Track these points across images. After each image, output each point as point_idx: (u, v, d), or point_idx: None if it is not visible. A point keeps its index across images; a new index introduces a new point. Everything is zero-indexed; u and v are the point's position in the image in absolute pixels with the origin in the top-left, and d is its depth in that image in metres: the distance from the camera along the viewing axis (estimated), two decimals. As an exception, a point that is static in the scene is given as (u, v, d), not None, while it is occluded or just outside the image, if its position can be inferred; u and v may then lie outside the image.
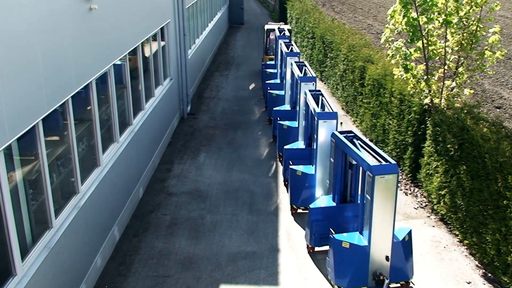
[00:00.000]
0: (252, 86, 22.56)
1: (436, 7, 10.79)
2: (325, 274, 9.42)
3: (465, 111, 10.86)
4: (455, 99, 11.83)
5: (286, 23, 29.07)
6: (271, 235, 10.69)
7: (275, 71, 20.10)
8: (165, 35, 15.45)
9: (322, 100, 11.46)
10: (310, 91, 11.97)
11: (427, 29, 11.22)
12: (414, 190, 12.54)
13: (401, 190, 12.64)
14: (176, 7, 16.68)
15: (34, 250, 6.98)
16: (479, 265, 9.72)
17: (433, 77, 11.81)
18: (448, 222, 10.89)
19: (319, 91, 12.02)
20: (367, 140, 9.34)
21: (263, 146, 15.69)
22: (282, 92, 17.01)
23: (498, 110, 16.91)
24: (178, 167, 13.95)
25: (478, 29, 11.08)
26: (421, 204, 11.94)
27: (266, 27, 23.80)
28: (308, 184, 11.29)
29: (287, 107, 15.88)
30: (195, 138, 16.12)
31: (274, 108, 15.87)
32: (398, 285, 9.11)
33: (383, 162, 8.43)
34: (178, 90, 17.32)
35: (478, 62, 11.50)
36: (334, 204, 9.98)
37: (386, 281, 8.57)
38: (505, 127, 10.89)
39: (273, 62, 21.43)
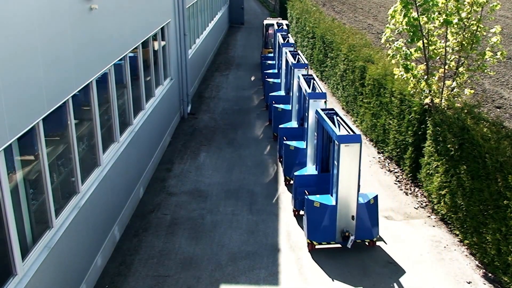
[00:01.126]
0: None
1: (436, 7, 10.79)
2: (326, 274, 9.44)
3: (466, 111, 10.86)
4: (456, 99, 11.83)
5: (288, 28, 29.37)
6: (271, 235, 10.69)
7: (273, 62, 21.57)
8: (165, 35, 15.45)
9: (313, 83, 12.61)
10: (302, 75, 13.17)
11: (427, 29, 11.22)
12: (414, 190, 12.55)
13: (401, 190, 12.65)
14: (176, 6, 16.69)
15: (34, 250, 6.98)
16: (479, 265, 9.71)
17: (434, 77, 11.81)
18: (449, 222, 10.89)
19: (311, 75, 13.28)
20: (345, 118, 10.50)
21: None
22: (278, 80, 18.33)
23: (498, 110, 16.91)
24: (178, 167, 13.95)
25: (479, 29, 11.08)
26: (422, 204, 11.94)
27: (265, 22, 25.60)
28: (300, 157, 12.45)
29: (282, 92, 17.17)
30: (195, 138, 16.13)
31: (270, 94, 17.37)
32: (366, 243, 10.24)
33: (351, 133, 9.64)
34: (178, 90, 17.33)
35: (478, 62, 11.51)
36: (316, 172, 11.19)
37: (351, 237, 9.78)
38: (505, 127, 10.89)
39: (272, 55, 23.08)
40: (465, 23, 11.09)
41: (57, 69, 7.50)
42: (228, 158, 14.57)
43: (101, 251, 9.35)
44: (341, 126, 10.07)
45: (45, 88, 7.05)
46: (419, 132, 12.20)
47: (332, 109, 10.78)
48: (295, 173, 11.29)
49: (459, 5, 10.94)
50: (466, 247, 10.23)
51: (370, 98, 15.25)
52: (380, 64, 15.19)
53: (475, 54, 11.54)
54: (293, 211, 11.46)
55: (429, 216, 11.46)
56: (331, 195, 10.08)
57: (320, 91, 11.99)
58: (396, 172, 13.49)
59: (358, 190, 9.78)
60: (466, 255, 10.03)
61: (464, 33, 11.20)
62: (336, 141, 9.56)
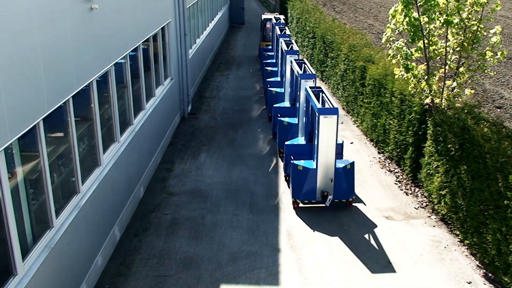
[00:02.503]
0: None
1: (437, 7, 10.78)
2: (326, 274, 9.44)
3: (466, 111, 10.86)
4: (456, 99, 11.83)
5: (286, 22, 29.64)
6: (271, 235, 10.69)
7: (272, 53, 23.29)
8: (165, 34, 15.45)
9: (304, 66, 14.05)
10: (295, 60, 14.70)
11: (428, 29, 11.22)
12: (414, 190, 12.54)
13: (401, 190, 12.65)
14: (176, 6, 16.68)
15: (34, 249, 6.99)
16: (479, 265, 9.71)
17: (434, 77, 11.81)
18: (449, 222, 10.89)
19: (302, 60, 14.80)
20: (329, 95, 11.92)
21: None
22: (276, 69, 20.27)
23: (498, 110, 16.91)
24: (178, 166, 13.95)
25: (479, 29, 11.08)
26: (422, 204, 11.94)
27: (263, 16, 27.44)
28: (292, 131, 13.97)
29: (278, 78, 19.05)
30: (195, 137, 16.12)
31: (267, 79, 19.39)
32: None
33: (330, 107, 11.04)
34: (179, 89, 17.32)
35: (479, 63, 11.50)
36: (304, 142, 12.76)
37: (330, 197, 11.28)
38: (506, 127, 10.89)
39: (270, 47, 25.17)
40: (466, 23, 11.09)
41: (58, 68, 7.50)
42: (229, 158, 14.57)
43: (102, 251, 9.35)
44: (325, 102, 11.40)
45: (45, 88, 7.05)
46: (420, 132, 12.19)
47: (319, 87, 12.32)
48: (286, 143, 12.81)
49: (459, 5, 10.94)
50: (466, 247, 10.23)
51: (370, 98, 15.24)
52: (380, 64, 15.18)
53: (475, 54, 11.54)
54: (285, 176, 12.99)
55: (430, 216, 11.46)
56: (313, 160, 11.46)
57: (310, 73, 13.51)
58: (396, 172, 13.49)
59: (340, 157, 11.61)
60: (467, 255, 10.03)
61: (464, 33, 11.20)
62: (316, 113, 10.89)
